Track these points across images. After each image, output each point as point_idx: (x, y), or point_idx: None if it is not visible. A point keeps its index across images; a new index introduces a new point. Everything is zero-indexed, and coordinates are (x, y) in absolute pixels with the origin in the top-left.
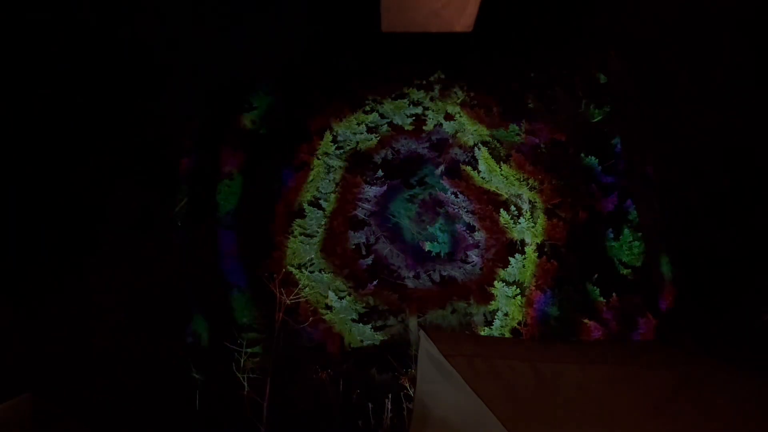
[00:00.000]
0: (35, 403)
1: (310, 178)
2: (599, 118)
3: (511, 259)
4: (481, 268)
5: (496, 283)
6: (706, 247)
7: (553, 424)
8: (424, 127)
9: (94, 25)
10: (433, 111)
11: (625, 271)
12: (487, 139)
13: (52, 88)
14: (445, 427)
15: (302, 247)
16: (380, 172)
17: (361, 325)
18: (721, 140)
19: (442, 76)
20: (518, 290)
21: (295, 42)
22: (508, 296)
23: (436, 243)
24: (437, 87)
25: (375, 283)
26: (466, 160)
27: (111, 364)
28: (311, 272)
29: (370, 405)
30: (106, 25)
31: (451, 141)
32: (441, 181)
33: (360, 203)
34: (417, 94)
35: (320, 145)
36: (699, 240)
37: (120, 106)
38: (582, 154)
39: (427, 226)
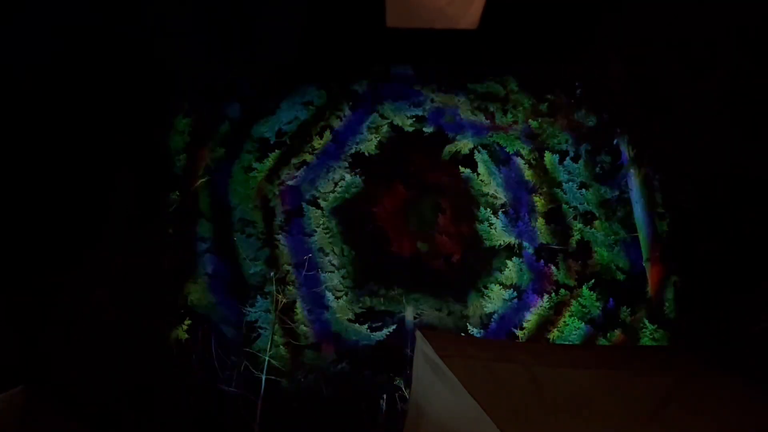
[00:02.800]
0: (28, 395)
1: (310, 177)
2: (599, 123)
3: (508, 262)
4: (478, 270)
5: (493, 285)
6: (705, 253)
7: (547, 428)
8: (424, 129)
9: (93, 22)
10: (434, 112)
11: (621, 277)
12: (487, 141)
13: (51, 84)
14: (440, 428)
15: (300, 246)
16: (379, 173)
17: (357, 325)
18: (722, 146)
19: (444, 78)
20: (515, 293)
21: (296, 38)
22: (504, 299)
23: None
24: (438, 88)
25: (371, 283)
26: (466, 162)
27: (105, 359)
28: (308, 271)
29: (364, 405)
30: (105, 22)
31: (451, 142)
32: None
33: (359, 203)
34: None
35: (320, 144)
36: (698, 245)
37: (117, 102)
38: (582, 159)
39: (427, 228)
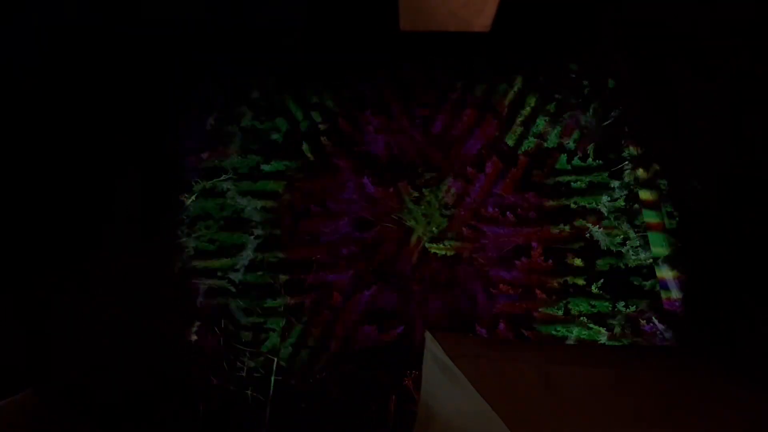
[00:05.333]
0: (37, 398)
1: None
2: (608, 122)
3: (516, 262)
4: (486, 271)
5: (501, 285)
6: (713, 253)
7: (558, 428)
8: (432, 129)
9: (97, 22)
10: (442, 113)
11: (630, 277)
12: (495, 141)
13: (55, 84)
14: (450, 429)
15: (306, 247)
16: (386, 174)
17: (364, 325)
18: (728, 145)
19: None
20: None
21: (307, 39)
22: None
23: (441, 245)
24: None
25: (379, 283)
26: (475, 162)
27: (113, 361)
28: (316, 272)
29: (373, 406)
30: (109, 21)
31: (459, 143)
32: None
33: (366, 204)
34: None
35: (327, 144)
36: (705, 245)
37: (124, 102)
38: (590, 158)
39: (434, 228)
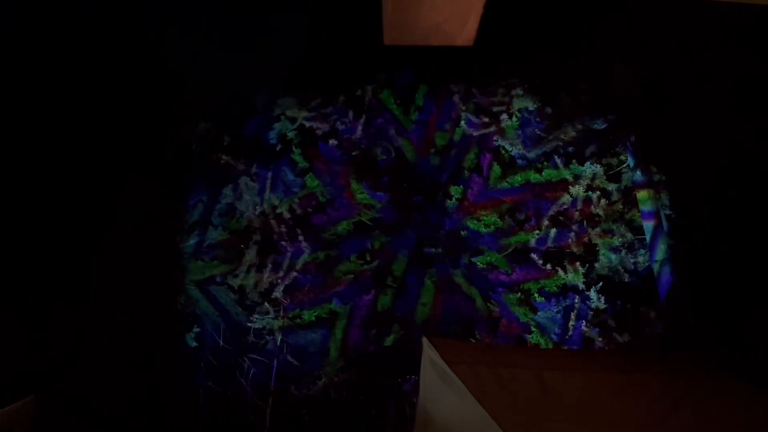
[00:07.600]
0: (38, 406)
1: (315, 183)
2: (604, 125)
3: (515, 265)
4: (485, 274)
5: (500, 289)
6: (713, 256)
7: None
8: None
9: (101, 26)
10: (440, 117)
11: (630, 280)
12: (493, 145)
13: (58, 86)
14: None
15: (306, 251)
16: (385, 178)
17: (364, 330)
18: (729, 147)
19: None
20: (522, 297)
21: (299, 48)
22: (512, 303)
23: (440, 248)
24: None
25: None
26: (472, 166)
27: (114, 367)
28: (315, 276)
29: (372, 411)
30: (113, 26)
31: (456, 147)
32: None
33: (364, 209)
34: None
35: (325, 149)
36: (705, 248)
37: (127, 106)
38: (588, 161)
39: (433, 232)
